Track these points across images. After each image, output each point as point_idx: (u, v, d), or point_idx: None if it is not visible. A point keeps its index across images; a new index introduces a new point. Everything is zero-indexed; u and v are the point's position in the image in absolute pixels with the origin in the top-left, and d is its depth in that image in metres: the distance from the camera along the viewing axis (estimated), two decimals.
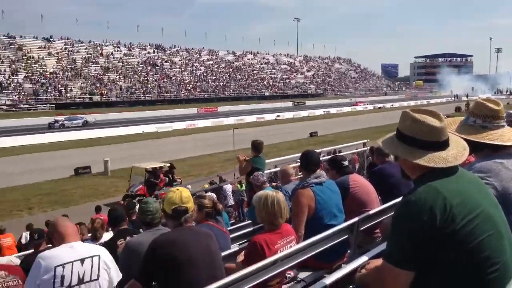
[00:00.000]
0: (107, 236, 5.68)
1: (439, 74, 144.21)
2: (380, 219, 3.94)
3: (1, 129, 42.02)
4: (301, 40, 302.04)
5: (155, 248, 2.73)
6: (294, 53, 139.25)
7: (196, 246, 2.80)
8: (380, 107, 75.83)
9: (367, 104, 78.91)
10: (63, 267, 2.73)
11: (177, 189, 3.01)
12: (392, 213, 3.86)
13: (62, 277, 2.70)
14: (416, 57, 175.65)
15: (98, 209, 12.57)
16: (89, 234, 6.38)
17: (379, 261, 1.97)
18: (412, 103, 78.69)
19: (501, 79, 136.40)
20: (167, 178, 18.71)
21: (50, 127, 45.29)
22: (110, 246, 4.23)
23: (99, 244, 5.24)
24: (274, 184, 7.31)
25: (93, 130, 41.73)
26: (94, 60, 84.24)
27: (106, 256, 2.98)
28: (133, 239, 3.75)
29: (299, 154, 4.17)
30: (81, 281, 2.77)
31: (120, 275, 3.02)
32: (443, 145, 1.81)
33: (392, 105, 79.08)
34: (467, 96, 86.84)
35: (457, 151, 1.82)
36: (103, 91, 74.66)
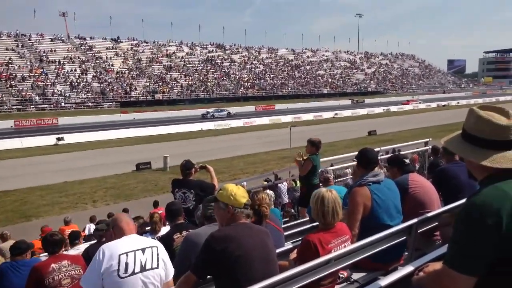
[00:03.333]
0: (164, 230, 5.84)
1: None
2: (440, 222, 3.76)
3: (71, 126, 44.59)
4: (363, 36, 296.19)
5: (211, 242, 2.75)
6: (355, 49, 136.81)
7: (252, 242, 2.80)
8: (444, 105, 72.71)
9: (420, 103, 74.47)
10: (127, 255, 2.86)
11: (231, 185, 3.03)
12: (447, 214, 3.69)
13: (126, 264, 2.83)
14: (486, 52, 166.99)
15: (156, 204, 12.98)
16: (148, 228, 6.59)
17: (438, 265, 1.89)
18: (480, 100, 74.76)
19: None
20: None
21: (204, 117, 54.31)
22: (166, 239, 4.35)
23: (157, 238, 5.42)
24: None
25: (155, 127, 43.10)
26: (157, 60, 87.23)
27: (162, 248, 3.09)
28: (192, 232, 3.84)
29: (356, 153, 4.07)
30: (143, 268, 2.89)
31: (173, 269, 3.10)
32: (511, 144, 1.69)
33: (458, 102, 75.59)
34: None
35: None
36: (165, 90, 77.11)
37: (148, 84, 77.03)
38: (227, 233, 2.82)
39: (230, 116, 55.49)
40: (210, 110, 57.87)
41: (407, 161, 4.45)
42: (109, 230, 5.32)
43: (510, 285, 1.59)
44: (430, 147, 10.19)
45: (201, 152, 28.59)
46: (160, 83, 78.71)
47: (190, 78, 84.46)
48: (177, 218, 4.70)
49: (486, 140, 1.71)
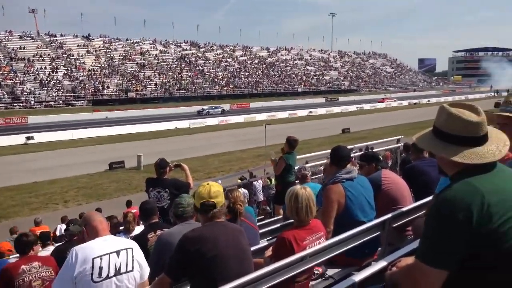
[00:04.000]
0: (138, 229, 5.77)
1: (482, 67, 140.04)
2: (412, 217, 3.83)
3: (41, 125, 43.52)
4: (336, 35, 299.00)
5: (184, 242, 2.73)
6: (329, 48, 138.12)
7: (226, 241, 2.78)
8: (415, 103, 74.18)
9: (395, 101, 76.87)
10: (101, 259, 2.79)
11: (208, 184, 3.00)
12: (424, 211, 3.78)
13: (100, 268, 2.76)
14: (455, 51, 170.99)
15: (129, 203, 12.82)
16: (121, 227, 6.50)
17: (410, 259, 1.91)
18: (449, 98, 76.53)
19: None
20: None
21: (199, 114, 56.18)
22: (140, 239, 4.30)
23: (130, 237, 5.34)
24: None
25: (128, 126, 42.57)
26: (130, 58, 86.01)
27: (137, 249, 3.03)
28: (166, 231, 3.80)
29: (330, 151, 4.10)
30: (117, 272, 2.82)
31: (149, 269, 3.06)
32: (481, 140, 1.73)
33: (429, 100, 77.24)
34: (507, 91, 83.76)
35: (495, 146, 1.74)
36: (138, 88, 76.14)
37: (121, 82, 75.89)
38: (200, 233, 2.79)
39: (223, 113, 57.30)
40: (205, 107, 59.74)
41: (379, 158, 4.52)
42: (81, 229, 5.24)
43: (480, 280, 1.62)
44: (402, 144, 10.38)
45: (176, 150, 28.34)
46: (134, 81, 77.66)
47: (164, 76, 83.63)
48: (151, 217, 4.64)
49: (457, 137, 1.74)
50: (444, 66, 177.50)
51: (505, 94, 73.10)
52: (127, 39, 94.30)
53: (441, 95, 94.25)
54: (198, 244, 2.69)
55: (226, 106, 66.21)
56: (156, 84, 79.52)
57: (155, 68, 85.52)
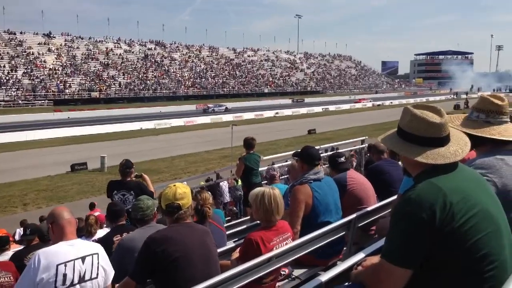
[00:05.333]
0: (101, 232, 5.63)
1: (443, 70, 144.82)
2: (376, 216, 3.90)
3: (0, 125, 41.93)
4: (302, 37, 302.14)
5: (150, 245, 2.68)
6: (295, 50, 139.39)
7: (192, 243, 2.76)
8: (379, 105, 75.86)
9: (370, 101, 79.29)
10: (65, 265, 2.67)
11: (174, 185, 2.96)
12: (388, 210, 3.86)
13: (64, 275, 2.65)
14: (416, 54, 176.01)
15: (92, 206, 12.50)
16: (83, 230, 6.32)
17: (376, 258, 1.93)
18: (411, 100, 78.63)
19: (503, 77, 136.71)
20: None
21: (205, 112, 58.92)
22: (106, 242, 4.20)
23: (94, 240, 5.20)
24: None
25: (91, 126, 41.62)
26: (93, 57, 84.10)
27: (103, 254, 2.94)
28: (127, 236, 3.71)
29: (295, 151, 4.12)
30: (82, 279, 2.72)
31: (113, 272, 2.98)
32: (443, 141, 1.78)
33: (391, 102, 79.09)
34: (466, 94, 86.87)
35: (457, 147, 1.79)
36: (102, 88, 74.55)
37: (83, 82, 74.09)
38: (165, 234, 2.76)
39: (227, 111, 60.20)
40: (210, 105, 63.06)
41: (342, 159, 4.59)
42: (37, 234, 5.05)
43: (443, 278, 1.65)
44: (366, 145, 10.57)
45: (141, 151, 27.91)
46: (97, 81, 75.99)
47: (129, 76, 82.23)
48: (118, 220, 4.54)
49: (421, 137, 1.77)
50: (406, 68, 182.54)
51: (464, 96, 75.80)
52: (90, 38, 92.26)
53: (403, 97, 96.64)
54: (163, 245, 2.66)
55: (192, 107, 65.85)
56: (120, 84, 78.10)
57: (119, 67, 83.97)
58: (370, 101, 79.56)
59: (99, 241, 4.41)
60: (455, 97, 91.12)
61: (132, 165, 5.78)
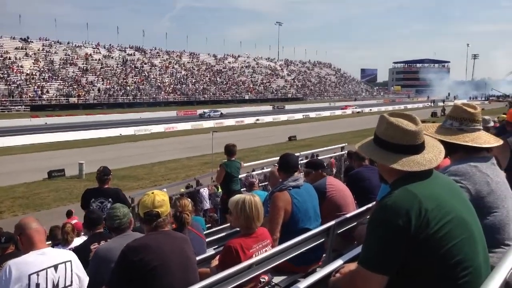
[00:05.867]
0: (78, 240, 5.53)
1: (421, 78, 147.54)
2: (355, 223, 3.93)
3: None
4: (283, 44, 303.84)
5: (127, 253, 2.65)
6: (275, 56, 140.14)
7: (171, 251, 2.74)
8: (358, 112, 76.71)
9: (356, 108, 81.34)
10: (38, 275, 2.64)
11: (152, 193, 2.94)
12: (367, 217, 3.89)
13: (37, 285, 2.62)
14: (395, 63, 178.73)
15: (69, 214, 12.26)
16: (59, 238, 6.22)
17: (353, 265, 1.95)
18: (390, 107, 79.76)
19: (479, 85, 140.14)
20: None
21: (201, 117, 60.85)
22: (82, 250, 4.13)
23: (70, 249, 5.11)
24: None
25: (69, 132, 40.97)
26: (72, 62, 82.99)
27: (76, 261, 2.90)
28: (102, 245, 3.64)
29: (277, 158, 4.14)
30: (56, 287, 2.67)
31: (88, 278, 2.94)
32: (419, 149, 1.81)
33: (371, 109, 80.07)
34: (443, 101, 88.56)
35: (432, 154, 1.82)
36: (81, 93, 73.57)
37: (62, 87, 72.98)
38: (143, 242, 2.73)
39: (222, 116, 61.95)
40: (206, 110, 65.51)
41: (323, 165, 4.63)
42: (12, 242, 4.93)
43: (419, 285, 1.67)
44: (346, 151, 10.66)
45: (120, 158, 27.58)
46: (75, 86, 74.96)
47: (108, 81, 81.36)
48: (96, 227, 4.47)
49: (396, 145, 1.80)
50: (385, 76, 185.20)
51: (441, 104, 77.20)
52: (68, 43, 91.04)
53: (382, 105, 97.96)
54: (141, 254, 2.62)
55: (173, 113, 65.49)
56: (99, 90, 77.18)
57: (98, 73, 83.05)
58: (355, 107, 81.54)
59: (76, 249, 4.34)
60: (432, 104, 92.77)
61: (109, 172, 5.71)
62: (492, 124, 6.67)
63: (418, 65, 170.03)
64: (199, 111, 65.05)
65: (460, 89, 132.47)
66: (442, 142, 2.06)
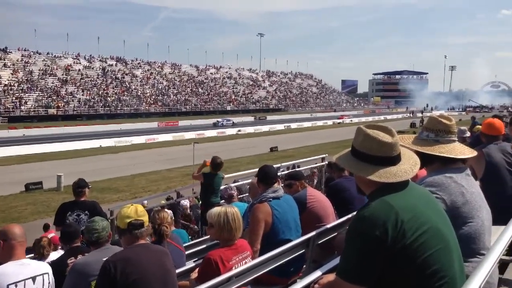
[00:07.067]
0: (55, 255, 5.41)
1: (401, 89, 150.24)
2: (335, 234, 3.95)
3: None
4: (264, 55, 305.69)
5: (107, 267, 2.61)
6: (257, 67, 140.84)
7: (150, 264, 2.72)
8: (339, 122, 77.42)
9: (351, 117, 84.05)
10: (16, 286, 2.64)
11: (132, 205, 2.94)
12: (347, 227, 3.91)
13: None
14: (374, 74, 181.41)
15: (46, 227, 12.00)
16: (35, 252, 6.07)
17: (332, 276, 1.95)
18: (370, 118, 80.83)
19: (456, 96, 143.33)
20: None
21: (215, 125, 63.94)
22: (59, 264, 4.04)
23: (48, 263, 5.00)
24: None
25: (48, 144, 40.30)
26: (51, 72, 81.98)
27: (51, 274, 2.87)
28: (80, 260, 3.57)
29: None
30: None
31: None
32: (395, 160, 1.83)
33: (351, 120, 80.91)
34: (422, 112, 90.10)
35: (408, 166, 1.84)
36: (60, 104, 72.61)
37: (40, 98, 71.92)
38: (123, 256, 2.70)
39: (234, 125, 65.03)
40: (219, 119, 69.43)
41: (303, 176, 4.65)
42: None
43: None
44: (327, 162, 10.73)
45: (100, 170, 27.23)
46: (55, 97, 73.97)
47: (88, 92, 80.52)
48: (73, 241, 4.38)
49: (373, 157, 1.81)
50: (365, 87, 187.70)
51: (419, 115, 78.50)
52: (48, 53, 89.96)
53: (362, 115, 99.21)
54: (121, 267, 2.60)
55: (154, 124, 65.07)
56: (79, 101, 76.30)
57: (78, 83, 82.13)
58: (350, 117, 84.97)
59: (53, 263, 4.24)
60: (411, 115, 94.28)
61: (85, 184, 5.62)
62: (468, 134, 6.82)
63: (397, 76, 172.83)
64: (213, 120, 68.85)
65: (438, 100, 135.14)
66: (418, 153, 2.10)
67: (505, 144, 3.79)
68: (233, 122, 68.63)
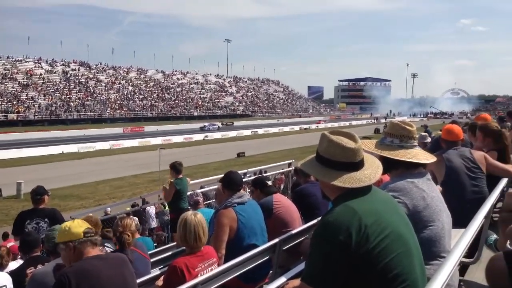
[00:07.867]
0: (14, 264, 5.21)
1: (366, 96, 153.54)
2: (301, 239, 3.97)
3: None
4: (231, 61, 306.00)
5: (62, 280, 2.49)
6: (224, 73, 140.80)
7: (107, 275, 2.61)
8: (306, 128, 78.22)
9: (327, 122, 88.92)
10: None
11: (74, 218, 2.84)
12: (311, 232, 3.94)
13: None
14: (340, 80, 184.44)
15: (5, 236, 11.56)
16: None
17: (297, 281, 1.95)
18: (336, 124, 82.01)
19: (418, 103, 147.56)
20: None
21: (202, 130, 65.51)
22: (18, 274, 3.91)
23: (7, 273, 4.81)
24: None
25: (7, 150, 38.92)
26: (11, 77, 79.31)
27: (11, 286, 2.75)
28: (39, 270, 3.45)
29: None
30: None
31: None
32: (358, 165, 1.85)
33: (317, 126, 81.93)
34: (385, 118, 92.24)
35: (371, 171, 1.86)
36: (20, 109, 70.31)
37: (0, 103, 69.43)
38: (80, 267, 2.58)
39: (219, 129, 67.72)
40: (205, 124, 71.01)
41: (269, 183, 4.65)
42: None
43: None
44: (293, 167, 10.80)
45: (63, 176, 26.52)
46: (15, 102, 71.56)
47: (50, 97, 78.34)
48: (33, 250, 4.23)
49: (337, 162, 1.83)
50: (331, 93, 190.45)
51: (383, 121, 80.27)
52: (8, 57, 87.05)
53: (328, 121, 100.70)
54: (77, 280, 2.48)
55: (119, 130, 63.94)
56: (40, 106, 74.11)
57: (40, 88, 79.80)
58: (327, 122, 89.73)
59: (11, 273, 4.10)
60: (375, 121, 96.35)
61: (43, 191, 5.46)
62: (429, 140, 7.03)
63: (361, 83, 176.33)
64: (200, 125, 69.90)
65: (401, 107, 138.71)
66: (382, 159, 2.13)
67: (464, 149, 3.90)
68: (218, 126, 70.62)
